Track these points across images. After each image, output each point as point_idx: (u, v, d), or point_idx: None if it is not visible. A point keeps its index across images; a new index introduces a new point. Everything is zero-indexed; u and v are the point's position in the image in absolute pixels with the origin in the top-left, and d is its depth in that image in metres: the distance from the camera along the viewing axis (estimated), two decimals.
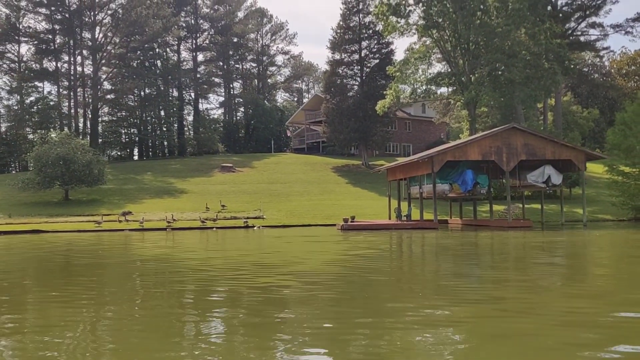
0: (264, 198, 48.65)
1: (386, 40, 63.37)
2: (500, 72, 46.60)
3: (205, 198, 47.88)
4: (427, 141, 77.97)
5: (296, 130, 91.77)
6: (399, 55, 65.43)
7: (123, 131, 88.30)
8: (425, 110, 78.22)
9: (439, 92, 58.32)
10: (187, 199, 49.19)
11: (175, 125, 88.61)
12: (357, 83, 67.27)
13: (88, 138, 70.59)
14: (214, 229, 35.32)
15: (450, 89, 55.02)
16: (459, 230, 32.51)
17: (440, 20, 48.26)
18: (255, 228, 35.33)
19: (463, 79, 48.35)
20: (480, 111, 53.79)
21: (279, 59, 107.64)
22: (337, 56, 66.02)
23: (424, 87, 52.16)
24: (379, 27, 61.86)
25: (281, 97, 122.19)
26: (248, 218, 39.93)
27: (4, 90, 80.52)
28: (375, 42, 65.46)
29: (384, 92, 53.49)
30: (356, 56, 66.19)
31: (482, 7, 46.64)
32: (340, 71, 66.56)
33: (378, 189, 52.70)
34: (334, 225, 36.09)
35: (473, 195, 34.82)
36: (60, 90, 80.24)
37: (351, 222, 33.12)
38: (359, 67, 66.14)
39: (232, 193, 51.30)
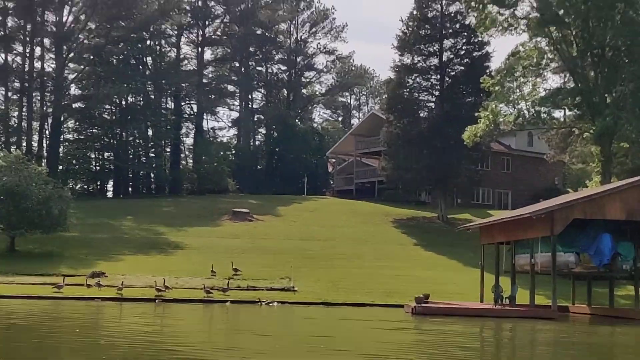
0: (295, 261, 48.45)
1: (480, 38, 63.60)
2: None
3: (209, 257, 47.86)
4: (534, 187, 77.22)
5: (341, 164, 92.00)
6: (497, 62, 66.84)
7: (93, 155, 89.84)
8: (533, 143, 77.69)
9: (556, 116, 57.96)
10: (184, 257, 49.40)
11: (168, 149, 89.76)
12: (434, 99, 67.32)
13: (44, 163, 71.78)
14: (227, 302, 35.24)
15: (573, 113, 54.50)
16: (587, 323, 31.63)
17: (562, 12, 48.25)
18: (271, 304, 35.25)
19: (595, 99, 47.96)
20: (619, 147, 53.11)
21: (320, 61, 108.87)
22: (406, 60, 66.54)
23: (535, 109, 51.82)
24: (471, 20, 62.31)
25: (320, 115, 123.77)
26: (272, 289, 39.82)
27: None
28: (464, 41, 65.85)
29: (476, 114, 53.31)
30: (435, 60, 66.58)
31: None
32: (411, 81, 66.91)
33: (463, 256, 52.07)
34: (400, 306, 35.71)
35: (611, 272, 34.04)
36: (9, 93, 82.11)
37: (425, 302, 32.71)
38: (438, 76, 66.39)
39: (248, 252, 51.41)
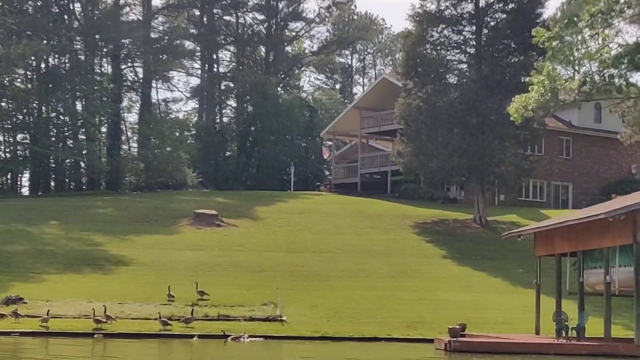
0: (282, 281, 48.60)
1: None
2: None
3: (165, 276, 47.97)
4: (603, 178, 77.54)
5: (341, 148, 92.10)
6: (553, 7, 65.03)
7: (1, 138, 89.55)
8: (602, 119, 77.88)
9: (634, 81, 58.09)
10: (130, 276, 49.41)
11: (104, 130, 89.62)
12: (467, 60, 67.39)
13: None
14: (195, 337, 35.33)
15: None
16: None
17: None
18: (241, 339, 35.61)
19: None
20: None
21: (310, 7, 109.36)
22: (431, 5, 66.42)
23: (607, 72, 51.94)
24: None
25: (311, 81, 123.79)
26: (253, 319, 39.97)
27: None
28: None
29: (526, 80, 53.40)
30: (469, 5, 66.54)
31: None
32: (437, 34, 66.97)
33: (510, 272, 52.38)
34: (428, 341, 35.85)
35: None
36: None
37: (462, 335, 32.80)
38: (474, 27, 66.40)
39: (217, 268, 51.51)
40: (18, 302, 41.04)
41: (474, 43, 66.45)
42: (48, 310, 37.97)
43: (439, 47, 67.25)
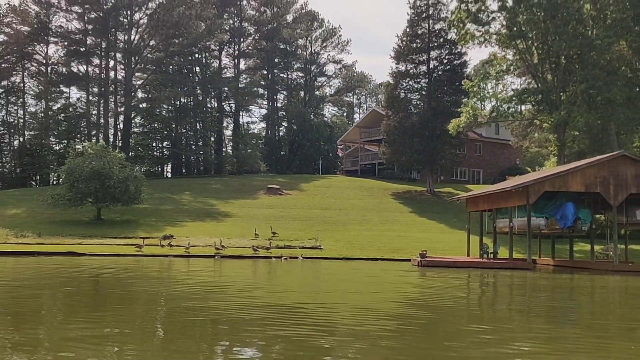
0: (318, 226, 48.57)
1: (459, 50, 63.11)
2: (596, 91, 45.50)
3: (252, 223, 48.07)
4: (500, 167, 77.01)
5: (348, 150, 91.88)
6: (471, 67, 66.11)
7: (154, 144, 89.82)
8: (499, 132, 77.32)
9: (520, 110, 57.60)
10: (232, 223, 49.43)
11: (213, 139, 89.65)
12: (422, 98, 66.98)
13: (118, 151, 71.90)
14: (282, 258, 35.40)
15: (534, 108, 54.22)
16: (551, 271, 31.58)
17: (527, 29, 47.77)
18: (282, 259, 35.09)
19: (552, 97, 47.60)
20: (567, 135, 52.77)
21: (330, 69, 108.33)
22: (401, 67, 65.90)
23: (506, 106, 51.44)
24: (451, 35, 61.89)
25: (329, 111, 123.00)
26: (304, 247, 39.91)
27: (29, 95, 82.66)
28: (447, 52, 65.18)
29: (458, 110, 53.10)
30: (423, 68, 65.93)
31: (577, 15, 45.95)
32: (405, 84, 66.41)
33: (448, 221, 52.10)
34: (404, 260, 35.77)
35: (573, 232, 34.00)
36: (90, 97, 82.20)
37: (425, 257, 32.68)
38: (427, 79, 65.82)
39: (281, 219, 51.39)
40: (170, 238, 41.23)
41: (427, 88, 65.63)
42: (188, 243, 38.07)
43: (406, 91, 66.60)
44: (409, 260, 34.88)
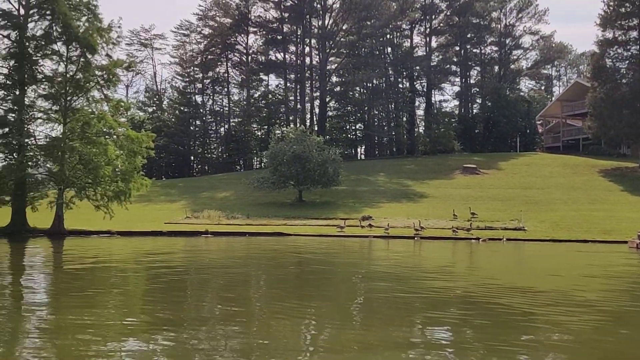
0: (519, 206, 46.77)
1: None
2: None
3: (448, 204, 47.55)
4: None
5: (547, 125, 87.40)
6: None
7: (348, 127, 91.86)
8: None
9: None
10: (429, 204, 49.21)
11: (405, 120, 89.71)
12: (633, 67, 61.75)
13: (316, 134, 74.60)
14: (480, 240, 34.54)
15: None
16: None
17: None
18: (480, 241, 34.02)
19: None
20: None
21: (526, 41, 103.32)
22: (608, 34, 61.32)
23: None
24: None
25: (526, 85, 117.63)
26: (506, 229, 38.70)
27: (232, 84, 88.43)
28: None
29: None
30: (634, 34, 60.83)
31: None
32: (612, 52, 61.76)
33: None
34: (618, 242, 33.34)
35: None
36: (287, 83, 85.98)
37: None
38: (637, 46, 60.66)
39: (479, 199, 50.26)
40: (369, 219, 41.94)
41: (638, 55, 60.50)
42: (388, 224, 38.47)
43: (614, 60, 61.98)
44: (625, 242, 32.46)
